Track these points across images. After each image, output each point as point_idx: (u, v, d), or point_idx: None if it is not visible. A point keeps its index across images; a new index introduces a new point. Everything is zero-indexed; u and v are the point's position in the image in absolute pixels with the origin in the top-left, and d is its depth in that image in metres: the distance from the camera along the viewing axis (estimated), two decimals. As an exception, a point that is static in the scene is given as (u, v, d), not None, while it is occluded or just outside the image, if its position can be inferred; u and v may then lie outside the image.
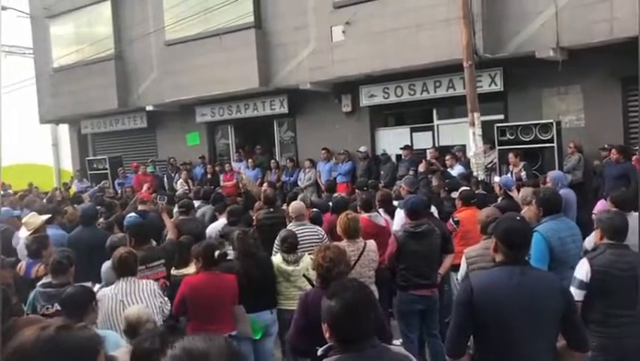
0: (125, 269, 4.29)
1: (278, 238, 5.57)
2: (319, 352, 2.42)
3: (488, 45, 9.86)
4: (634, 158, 8.93)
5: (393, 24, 10.41)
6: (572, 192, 7.44)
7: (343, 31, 11.12)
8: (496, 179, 8.19)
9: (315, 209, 7.06)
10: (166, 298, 4.36)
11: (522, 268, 2.88)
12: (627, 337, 3.69)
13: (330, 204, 7.11)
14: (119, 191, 13.22)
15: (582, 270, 3.76)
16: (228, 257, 5.79)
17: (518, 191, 6.97)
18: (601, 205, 6.42)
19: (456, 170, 9.74)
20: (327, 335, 2.37)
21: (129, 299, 4.10)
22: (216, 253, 4.69)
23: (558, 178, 7.15)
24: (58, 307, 4.12)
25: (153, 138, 16.33)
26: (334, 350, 2.33)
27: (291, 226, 5.89)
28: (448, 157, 10.37)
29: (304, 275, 4.87)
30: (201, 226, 7.17)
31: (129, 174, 14.60)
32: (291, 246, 5.13)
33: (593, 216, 5.36)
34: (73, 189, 14.16)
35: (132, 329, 3.32)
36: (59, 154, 19.28)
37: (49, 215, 6.83)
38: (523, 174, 8.76)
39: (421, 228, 5.29)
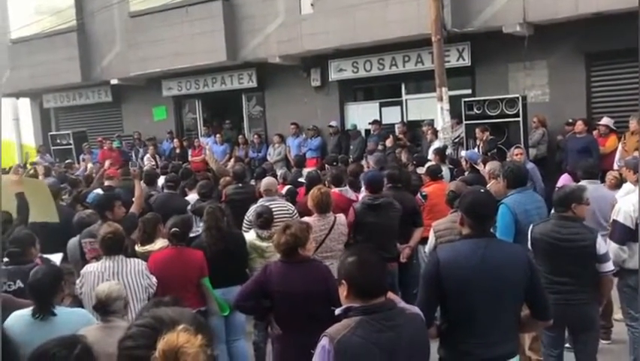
0: (111, 248, 4.21)
1: (251, 213, 5.54)
2: (337, 311, 2.44)
3: (456, 20, 9.89)
4: (594, 132, 9.18)
5: (363, -3, 10.35)
6: (536, 167, 7.61)
7: (312, 4, 11.00)
8: (463, 153, 8.30)
9: (289, 186, 7.07)
10: (154, 280, 4.29)
11: (488, 241, 2.94)
12: (567, 304, 3.84)
13: (302, 179, 7.11)
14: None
15: (529, 236, 4.04)
16: (196, 233, 5.76)
17: (484, 165, 7.09)
18: (564, 179, 6.59)
19: (436, 144, 9.83)
20: (343, 296, 2.41)
21: (115, 278, 4.02)
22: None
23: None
24: (21, 285, 4.05)
25: (119, 113, 15.97)
26: (353, 312, 2.36)
27: (261, 202, 5.87)
28: (429, 132, 10.44)
29: None
30: (185, 201, 6.96)
31: (94, 149, 14.28)
32: (265, 221, 5.09)
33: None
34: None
35: (101, 305, 3.29)
36: (20, 129, 18.70)
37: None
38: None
39: (379, 200, 5.31)
